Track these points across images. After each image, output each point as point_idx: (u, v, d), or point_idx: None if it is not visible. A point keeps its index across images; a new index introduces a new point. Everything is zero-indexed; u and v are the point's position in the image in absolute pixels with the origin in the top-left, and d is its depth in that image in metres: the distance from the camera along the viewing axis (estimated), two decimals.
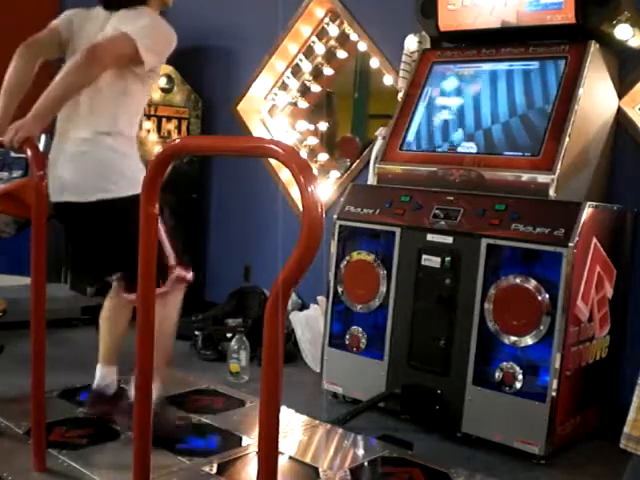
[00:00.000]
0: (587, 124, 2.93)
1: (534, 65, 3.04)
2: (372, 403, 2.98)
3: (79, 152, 2.40)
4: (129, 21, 2.36)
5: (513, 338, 2.70)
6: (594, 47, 2.90)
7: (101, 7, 2.48)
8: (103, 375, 2.62)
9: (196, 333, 4.02)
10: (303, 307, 4.13)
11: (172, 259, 2.48)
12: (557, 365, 2.61)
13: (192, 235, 4.81)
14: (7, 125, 2.33)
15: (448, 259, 2.85)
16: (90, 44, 2.28)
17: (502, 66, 3.13)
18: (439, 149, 3.14)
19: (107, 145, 2.40)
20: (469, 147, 3.04)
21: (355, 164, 4.17)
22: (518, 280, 2.69)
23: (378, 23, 3.98)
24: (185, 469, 2.30)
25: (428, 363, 2.91)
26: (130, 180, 2.31)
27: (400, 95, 3.46)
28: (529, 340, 2.67)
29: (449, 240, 2.87)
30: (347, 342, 3.18)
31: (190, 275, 2.56)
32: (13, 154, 3.99)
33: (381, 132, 3.50)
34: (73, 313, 4.39)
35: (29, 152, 2.15)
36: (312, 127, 4.74)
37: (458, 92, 3.20)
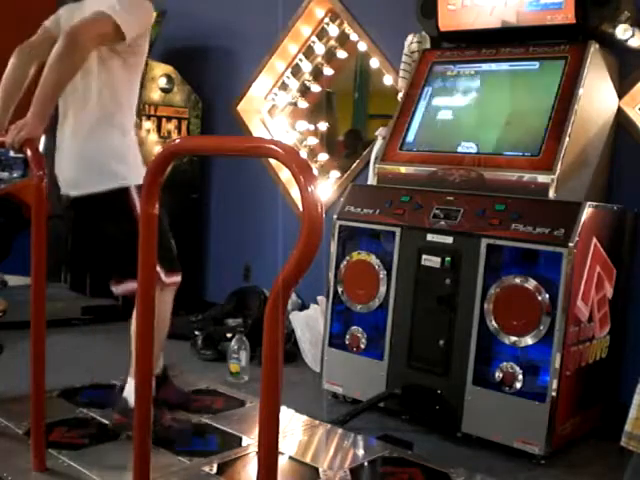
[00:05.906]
0: (587, 124, 2.93)
1: (534, 65, 3.04)
2: (372, 403, 2.98)
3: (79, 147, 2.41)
4: (105, 1, 2.31)
5: (513, 338, 2.70)
6: (594, 47, 2.90)
7: None
8: (130, 390, 2.46)
9: (196, 333, 4.02)
10: (303, 307, 4.13)
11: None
12: (557, 365, 2.61)
13: (192, 235, 4.81)
14: (5, 123, 2.34)
15: (448, 259, 2.85)
16: (68, 28, 2.24)
17: (502, 66, 3.13)
18: (439, 149, 3.13)
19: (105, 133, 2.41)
20: (469, 147, 3.04)
21: (355, 164, 4.17)
22: (518, 280, 2.69)
23: (378, 23, 3.98)
24: (185, 469, 2.30)
25: (428, 363, 2.91)
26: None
27: (400, 95, 3.46)
28: (529, 340, 2.66)
29: (449, 240, 2.87)
30: (347, 342, 3.18)
31: (176, 279, 2.53)
32: (12, 154, 4.00)
33: (381, 132, 3.50)
34: (73, 313, 4.39)
35: (29, 152, 2.15)
36: (312, 127, 4.73)
37: (458, 92, 3.20)
